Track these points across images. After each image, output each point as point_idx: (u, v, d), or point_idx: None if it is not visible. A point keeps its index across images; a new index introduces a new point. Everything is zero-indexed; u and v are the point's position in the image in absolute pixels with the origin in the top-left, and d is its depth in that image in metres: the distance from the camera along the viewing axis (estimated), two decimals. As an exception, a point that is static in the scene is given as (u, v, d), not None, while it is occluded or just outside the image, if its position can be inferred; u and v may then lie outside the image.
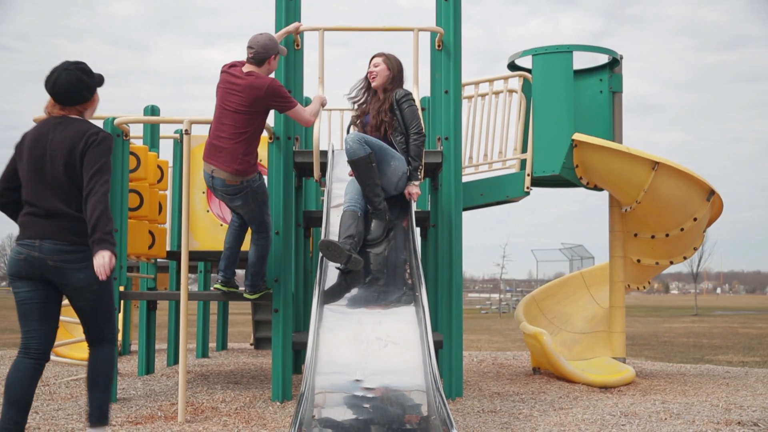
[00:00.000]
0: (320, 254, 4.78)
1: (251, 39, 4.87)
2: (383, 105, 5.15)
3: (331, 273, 4.90)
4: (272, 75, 5.02)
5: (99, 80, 3.69)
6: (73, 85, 3.55)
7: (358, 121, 5.36)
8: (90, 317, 3.62)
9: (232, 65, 4.92)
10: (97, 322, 3.64)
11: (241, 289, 5.39)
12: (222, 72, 4.93)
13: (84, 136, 3.47)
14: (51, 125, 3.54)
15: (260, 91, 4.71)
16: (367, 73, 5.29)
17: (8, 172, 3.62)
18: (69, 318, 7.04)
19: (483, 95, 7.21)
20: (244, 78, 4.76)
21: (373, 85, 5.27)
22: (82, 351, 7.94)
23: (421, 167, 5.13)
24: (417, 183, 5.12)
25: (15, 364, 3.53)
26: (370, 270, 4.89)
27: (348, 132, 5.51)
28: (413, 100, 5.20)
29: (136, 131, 6.89)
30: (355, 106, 5.41)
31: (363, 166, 4.87)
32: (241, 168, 4.77)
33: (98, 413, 3.61)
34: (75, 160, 3.45)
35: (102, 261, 3.31)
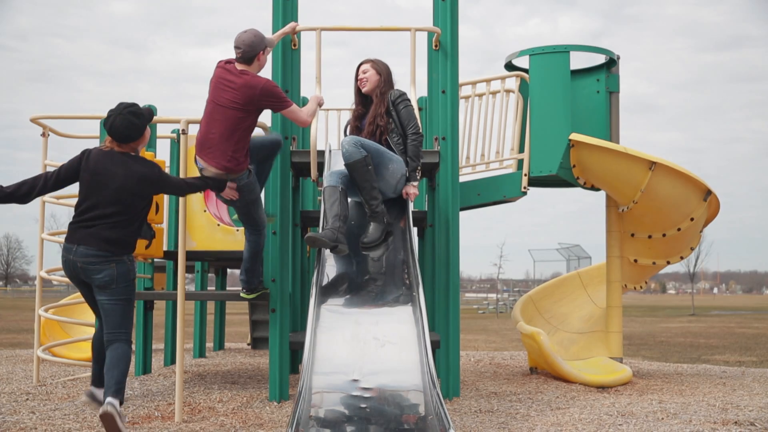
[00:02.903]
0: (317, 254, 4.78)
1: (237, 38, 4.83)
2: (379, 109, 5.15)
3: (329, 273, 4.91)
4: (269, 75, 5.02)
5: (149, 117, 4.44)
6: (126, 128, 4.31)
7: (354, 125, 5.37)
8: (108, 314, 4.30)
9: (228, 61, 4.90)
10: (114, 319, 4.29)
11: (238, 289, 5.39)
12: (218, 67, 4.91)
13: (148, 181, 4.30)
14: (116, 159, 4.31)
15: (255, 90, 4.70)
16: (357, 81, 5.32)
17: (60, 181, 4.37)
18: (66, 318, 7.04)
19: (480, 95, 7.21)
20: (240, 76, 4.75)
21: (364, 91, 5.30)
22: (80, 351, 7.93)
23: (418, 167, 5.13)
24: (415, 183, 5.13)
25: (96, 333, 4.54)
26: (367, 270, 4.89)
27: (345, 134, 5.52)
28: (409, 100, 5.20)
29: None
30: (352, 114, 5.45)
31: (359, 169, 4.87)
32: (229, 165, 4.75)
33: (116, 387, 4.13)
34: (132, 194, 4.26)
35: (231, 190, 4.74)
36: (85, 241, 4.22)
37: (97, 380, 4.48)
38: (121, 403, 4.16)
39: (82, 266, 4.23)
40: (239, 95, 4.70)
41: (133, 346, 5.88)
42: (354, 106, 5.45)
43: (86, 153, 4.38)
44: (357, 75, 5.35)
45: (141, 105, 4.63)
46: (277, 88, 4.82)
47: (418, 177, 5.18)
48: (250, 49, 4.79)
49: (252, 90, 4.70)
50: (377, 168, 4.95)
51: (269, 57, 5.28)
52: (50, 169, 6.57)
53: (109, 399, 4.08)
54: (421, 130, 5.13)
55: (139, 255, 6.11)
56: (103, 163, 4.30)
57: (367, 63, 5.31)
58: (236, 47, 4.82)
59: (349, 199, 5.33)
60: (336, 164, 5.58)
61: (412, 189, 5.10)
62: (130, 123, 4.31)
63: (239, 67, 4.81)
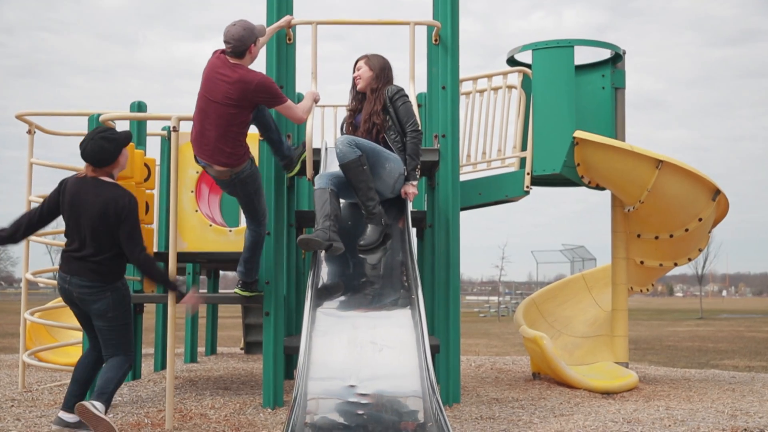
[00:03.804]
0: (312, 255, 4.78)
1: (226, 32, 4.81)
2: (374, 107, 5.15)
3: (325, 275, 4.91)
4: (263, 71, 5.01)
5: (124, 141, 4.54)
6: (97, 152, 4.43)
7: (349, 122, 5.37)
8: (106, 339, 4.47)
9: (224, 51, 4.89)
10: (112, 342, 4.46)
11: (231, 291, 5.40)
12: (213, 56, 4.89)
13: (114, 206, 4.36)
14: (88, 186, 4.44)
15: (249, 86, 4.71)
16: (353, 78, 5.34)
17: (44, 216, 4.53)
18: (53, 322, 7.03)
19: (481, 91, 7.22)
20: (234, 70, 4.75)
21: (358, 88, 5.30)
22: (66, 356, 7.92)
23: (418, 166, 5.13)
24: (414, 182, 5.12)
25: (83, 354, 4.67)
26: (364, 272, 4.89)
27: (342, 131, 5.52)
28: (407, 96, 5.20)
29: (122, 128, 6.87)
30: (347, 112, 5.45)
31: (354, 170, 4.86)
32: (230, 162, 4.78)
33: (101, 390, 4.27)
34: (104, 222, 4.36)
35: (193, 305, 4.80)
36: (78, 272, 4.39)
37: (70, 404, 4.44)
38: (106, 411, 4.23)
39: (78, 296, 4.41)
40: (233, 90, 4.70)
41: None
42: (350, 104, 5.45)
43: (63, 184, 4.53)
44: (353, 72, 5.37)
45: (118, 129, 4.74)
46: (272, 83, 4.82)
47: (418, 176, 5.18)
48: (240, 44, 4.79)
49: (246, 85, 4.70)
50: (373, 167, 4.95)
51: (263, 51, 5.29)
52: (36, 168, 6.58)
53: (92, 401, 4.18)
54: (420, 128, 5.13)
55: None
56: (77, 192, 4.45)
57: (361, 59, 5.32)
58: (226, 42, 4.82)
59: (346, 201, 5.33)
60: (332, 162, 5.58)
61: (411, 188, 5.10)
62: (101, 148, 4.43)
63: (232, 61, 4.81)
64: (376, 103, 5.17)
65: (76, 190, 4.47)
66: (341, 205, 5.19)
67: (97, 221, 4.37)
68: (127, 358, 4.48)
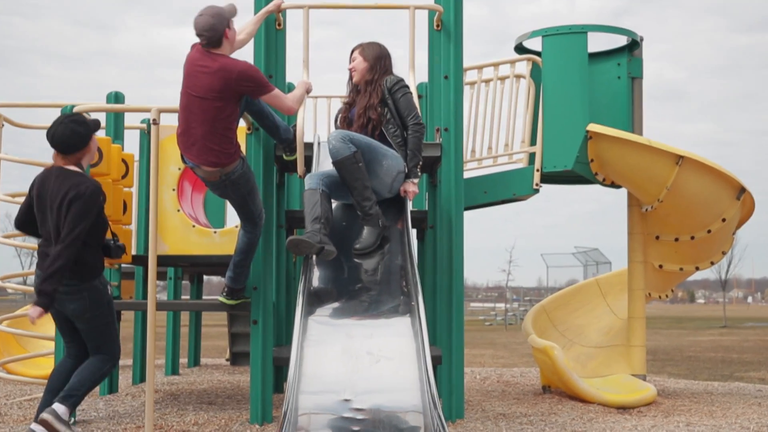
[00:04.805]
0: (304, 259, 4.77)
1: (195, 25, 4.79)
2: (369, 101, 5.15)
3: (317, 280, 4.90)
4: (250, 59, 5.01)
5: (94, 127, 4.60)
6: (68, 137, 4.47)
7: (344, 116, 5.37)
8: (87, 339, 4.56)
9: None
10: (92, 343, 4.55)
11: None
12: (192, 50, 4.88)
13: (72, 195, 4.34)
14: (52, 176, 4.48)
15: (231, 74, 4.70)
16: (349, 70, 5.34)
17: (22, 213, 4.65)
18: (23, 331, 7.02)
19: (487, 81, 7.21)
20: (215, 59, 4.75)
21: (354, 81, 5.31)
22: (37, 368, 7.91)
23: (420, 162, 5.13)
24: (415, 180, 5.12)
25: (59, 362, 4.72)
26: (360, 277, 4.89)
27: (336, 125, 5.52)
28: (407, 86, 5.20)
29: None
30: (343, 105, 5.45)
31: (348, 167, 4.86)
32: (218, 160, 4.78)
33: (68, 392, 4.38)
34: (63, 211, 4.34)
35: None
36: None
37: None
38: (70, 415, 4.36)
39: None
40: (215, 80, 4.70)
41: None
42: (347, 96, 5.44)
43: (34, 179, 4.58)
44: (349, 63, 5.36)
45: (86, 115, 4.79)
46: (256, 71, 4.82)
47: (419, 173, 5.18)
48: (212, 33, 4.79)
49: (228, 74, 4.70)
50: (370, 165, 4.94)
51: (251, 39, 5.29)
52: (5, 164, 6.56)
53: (54, 405, 4.27)
54: (422, 121, 5.13)
55: (105, 260, 6.09)
56: (42, 184, 4.50)
57: (356, 49, 5.33)
58: (198, 35, 4.81)
59: (341, 202, 5.33)
60: (326, 158, 5.58)
61: (412, 186, 5.10)
62: (72, 131, 4.48)
63: (211, 51, 4.80)
64: (372, 96, 5.16)
65: (41, 182, 4.51)
66: (334, 206, 5.18)
67: (58, 212, 4.37)
68: (109, 358, 4.53)
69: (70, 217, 4.32)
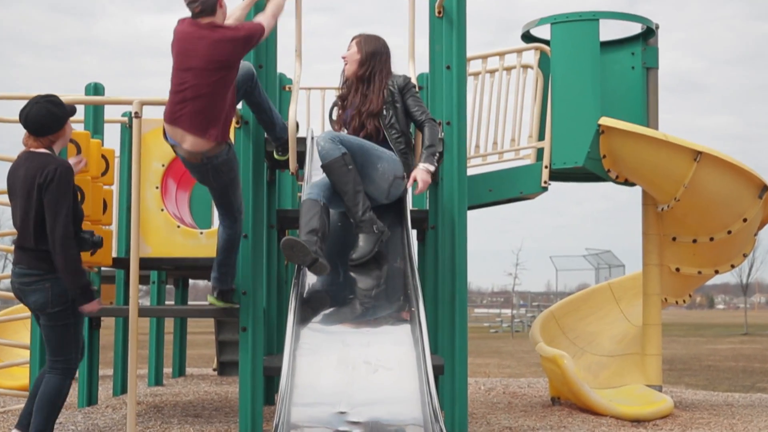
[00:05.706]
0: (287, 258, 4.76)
1: None
2: (369, 106, 5.12)
3: (310, 284, 4.90)
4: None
5: (70, 110, 4.62)
6: (43, 117, 4.45)
7: (340, 116, 5.36)
8: (46, 339, 4.49)
9: (192, 16, 4.85)
10: (50, 344, 4.47)
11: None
12: (182, 25, 4.84)
13: (39, 177, 4.32)
14: (22, 160, 4.48)
15: (238, 39, 4.67)
16: (342, 58, 5.35)
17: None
18: (-5, 338, 7.01)
19: (492, 71, 7.22)
20: (215, 31, 4.70)
21: (346, 74, 5.31)
22: (13, 378, 7.92)
23: (437, 152, 5.06)
24: (430, 167, 4.99)
25: (44, 368, 4.60)
26: (356, 281, 4.89)
27: (330, 117, 5.52)
28: (415, 86, 5.23)
29: (76, 114, 6.86)
30: (338, 101, 5.42)
31: (337, 170, 4.85)
32: (207, 131, 4.70)
33: (35, 428, 4.33)
34: (31, 197, 4.34)
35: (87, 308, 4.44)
36: (19, 260, 4.42)
37: (25, 423, 4.51)
38: None
39: (18, 288, 4.43)
40: (218, 49, 4.63)
41: (77, 374, 5.92)
42: (340, 87, 5.43)
43: (8, 170, 4.59)
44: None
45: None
46: (252, 26, 4.80)
47: (435, 162, 5.07)
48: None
49: (234, 40, 4.68)
50: (363, 168, 4.93)
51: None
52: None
53: None
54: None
55: (83, 263, 6.09)
56: (12, 171, 4.50)
57: (355, 38, 5.32)
58: (190, 3, 4.77)
59: (336, 210, 5.31)
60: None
61: (422, 174, 4.96)
62: (48, 111, 4.46)
63: (205, 20, 4.77)
64: (371, 102, 5.13)
65: (13, 171, 4.52)
66: (331, 212, 5.16)
67: (26, 197, 4.37)
68: (66, 369, 4.45)
69: (48, 208, 4.30)
